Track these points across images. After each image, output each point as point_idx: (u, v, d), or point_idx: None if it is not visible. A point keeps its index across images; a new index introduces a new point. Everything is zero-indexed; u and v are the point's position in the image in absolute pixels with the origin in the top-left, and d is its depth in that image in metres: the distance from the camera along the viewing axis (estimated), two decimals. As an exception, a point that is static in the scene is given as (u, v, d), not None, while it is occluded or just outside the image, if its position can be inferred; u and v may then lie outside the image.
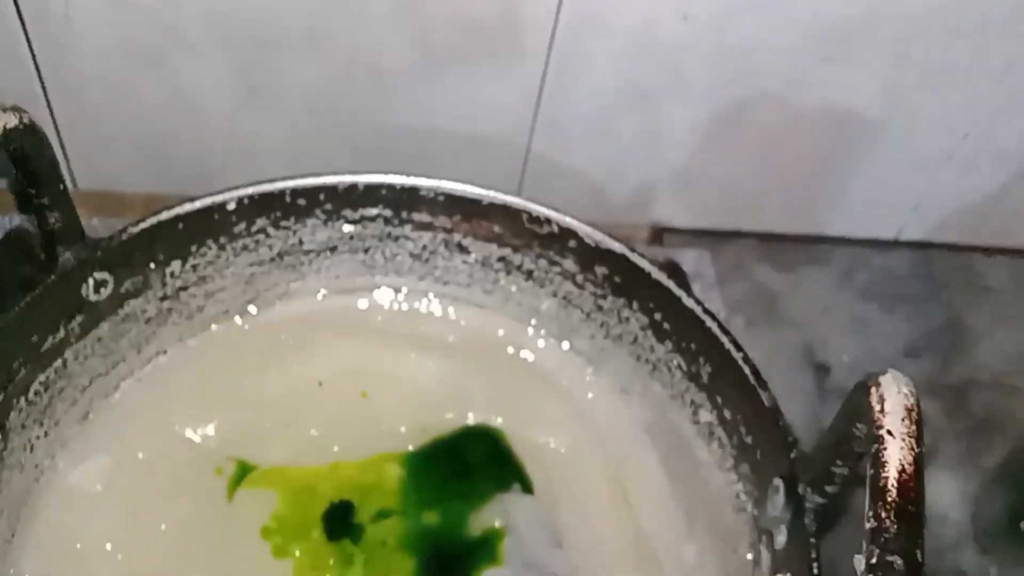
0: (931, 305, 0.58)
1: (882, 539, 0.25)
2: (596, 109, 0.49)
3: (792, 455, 0.35)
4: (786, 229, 0.59)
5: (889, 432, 0.27)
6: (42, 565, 0.37)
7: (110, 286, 0.38)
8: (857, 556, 0.25)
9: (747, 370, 0.38)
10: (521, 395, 0.45)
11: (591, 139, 0.51)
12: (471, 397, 0.44)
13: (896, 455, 0.26)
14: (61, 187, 0.34)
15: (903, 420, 0.27)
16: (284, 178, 0.40)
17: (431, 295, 0.46)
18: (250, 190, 0.40)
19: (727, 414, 0.40)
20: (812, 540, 0.33)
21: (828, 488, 0.33)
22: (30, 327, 0.36)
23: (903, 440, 0.27)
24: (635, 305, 0.42)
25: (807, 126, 0.51)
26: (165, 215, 0.38)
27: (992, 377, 0.55)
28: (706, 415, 0.41)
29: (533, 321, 0.46)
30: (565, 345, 0.46)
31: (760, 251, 0.58)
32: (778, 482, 0.36)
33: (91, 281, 0.37)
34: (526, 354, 0.46)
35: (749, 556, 0.38)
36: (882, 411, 0.28)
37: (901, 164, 0.54)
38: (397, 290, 0.46)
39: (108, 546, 0.38)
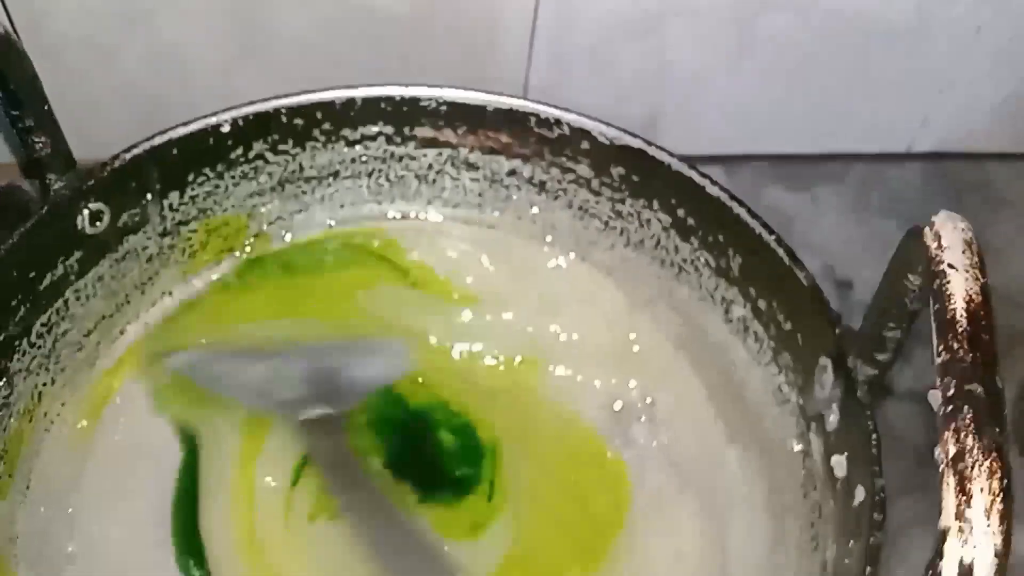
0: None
1: (957, 369, 0.23)
2: (596, 39, 0.47)
3: (837, 331, 0.34)
4: (797, 149, 0.58)
5: (951, 265, 0.25)
6: (41, 522, 0.36)
7: (106, 218, 0.36)
8: (932, 392, 0.23)
9: (781, 252, 0.36)
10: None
11: (593, 70, 0.49)
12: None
13: (961, 286, 0.25)
14: (45, 107, 0.32)
15: (963, 252, 0.25)
16: (278, 96, 0.39)
17: (441, 219, 0.44)
18: (244, 110, 0.38)
19: (762, 304, 0.38)
20: (868, 412, 0.32)
21: (879, 356, 0.32)
22: (26, 262, 0.34)
23: (967, 271, 0.25)
24: (656, 204, 0.40)
25: (815, 39, 0.50)
26: (158, 139, 0.36)
27: (1015, 289, 0.54)
28: (739, 310, 0.39)
29: (548, 238, 0.44)
30: (583, 259, 0.44)
31: (772, 173, 0.57)
32: (825, 361, 0.34)
33: (86, 212, 0.35)
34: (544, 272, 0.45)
35: (798, 447, 0.37)
36: (939, 247, 0.26)
37: (912, 71, 0.53)
38: (405, 216, 0.44)
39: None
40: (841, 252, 0.54)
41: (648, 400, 0.43)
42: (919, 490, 0.31)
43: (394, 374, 0.41)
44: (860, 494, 0.31)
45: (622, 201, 0.41)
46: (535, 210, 0.43)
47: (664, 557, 0.39)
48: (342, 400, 0.40)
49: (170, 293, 0.41)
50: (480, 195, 0.44)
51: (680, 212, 0.40)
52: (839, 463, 0.33)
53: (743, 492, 0.39)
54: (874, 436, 0.31)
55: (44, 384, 0.37)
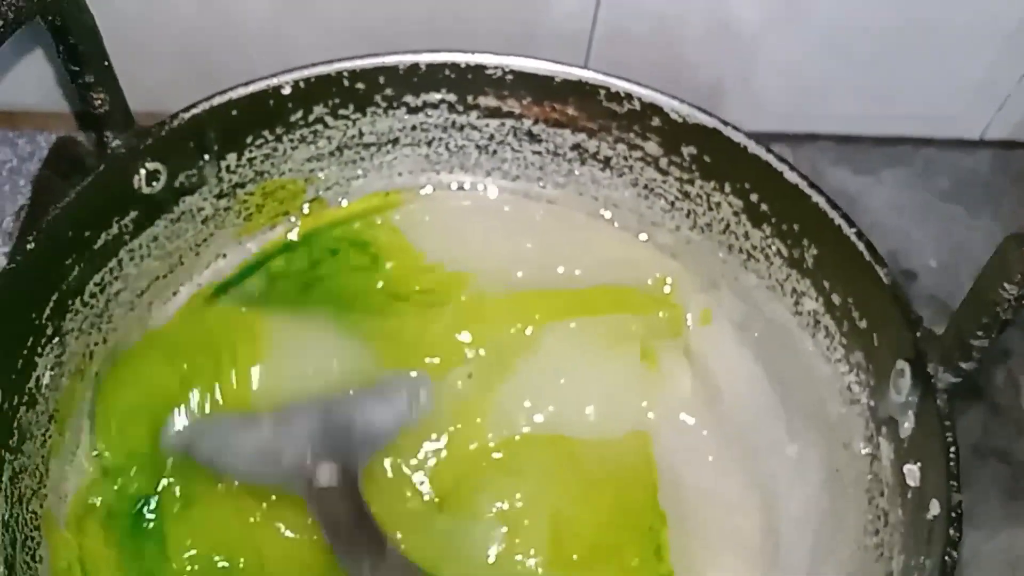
0: (1019, 206, 0.54)
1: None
2: (660, 6, 0.45)
3: (918, 334, 0.32)
4: (864, 131, 0.55)
5: (1061, 278, 0.23)
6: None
7: (163, 178, 0.36)
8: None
9: (862, 246, 0.34)
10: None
11: (655, 42, 0.47)
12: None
13: (1073, 302, 0.23)
14: (105, 63, 0.31)
15: (1076, 265, 0.23)
16: (340, 59, 0.37)
17: (499, 191, 0.43)
18: (306, 72, 0.36)
19: (835, 299, 0.36)
20: (947, 423, 0.30)
21: (964, 364, 0.30)
22: (82, 221, 0.34)
23: (1079, 285, 0.23)
24: (727, 187, 0.38)
25: (885, 16, 0.47)
26: (217, 100, 0.35)
27: None
28: (810, 303, 0.38)
29: (608, 215, 0.43)
30: (644, 238, 0.42)
31: (837, 153, 0.54)
32: (903, 365, 0.32)
33: (143, 172, 0.35)
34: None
35: (865, 450, 0.35)
36: (1048, 258, 0.24)
37: (985, 57, 0.50)
38: (462, 187, 0.43)
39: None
40: (905, 238, 0.52)
41: (708, 386, 0.42)
42: (968, 484, 0.30)
43: (411, 418, 0.38)
44: (935, 508, 0.29)
45: (691, 182, 0.40)
46: (597, 187, 0.42)
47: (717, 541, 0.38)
48: (355, 456, 0.36)
49: (224, 255, 0.40)
50: (541, 168, 0.42)
51: (753, 197, 0.38)
52: (912, 472, 0.32)
53: (801, 487, 0.38)
54: (952, 449, 0.30)
55: (96, 344, 0.36)
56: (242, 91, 0.36)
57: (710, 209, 0.40)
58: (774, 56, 0.48)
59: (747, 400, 0.41)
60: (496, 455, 0.38)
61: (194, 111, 0.35)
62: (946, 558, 0.28)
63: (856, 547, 0.35)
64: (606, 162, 0.41)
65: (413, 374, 0.38)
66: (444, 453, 0.38)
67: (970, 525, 0.31)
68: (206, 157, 0.37)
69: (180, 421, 0.36)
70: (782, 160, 0.36)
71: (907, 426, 0.32)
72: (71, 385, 0.35)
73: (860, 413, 0.36)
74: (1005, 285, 0.27)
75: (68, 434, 0.35)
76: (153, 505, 0.36)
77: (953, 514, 0.29)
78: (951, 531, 0.28)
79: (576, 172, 0.42)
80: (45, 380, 0.34)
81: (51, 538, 0.34)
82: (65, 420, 0.35)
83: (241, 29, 0.45)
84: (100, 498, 0.35)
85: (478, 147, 0.42)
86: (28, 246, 0.32)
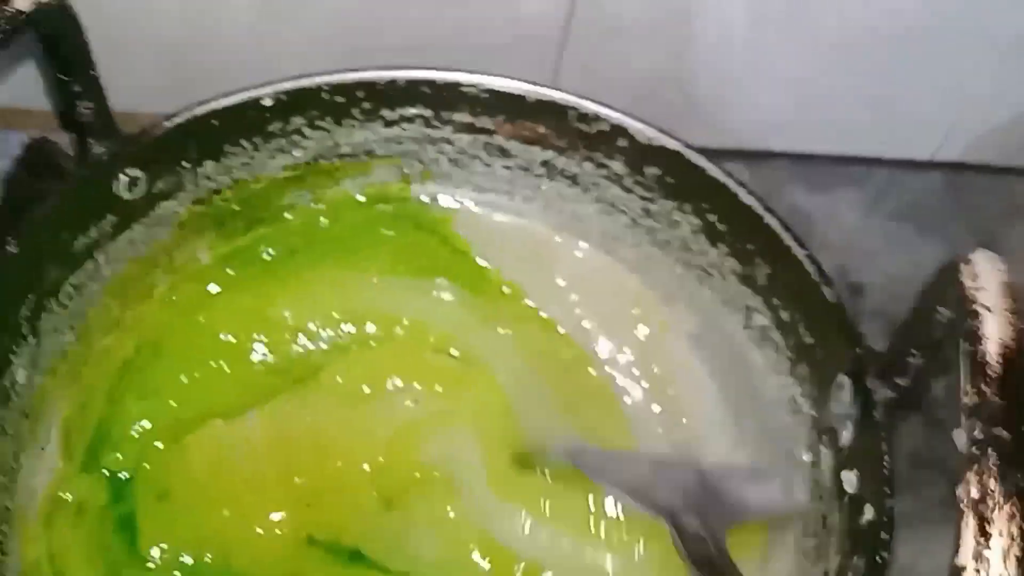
0: (966, 226, 0.57)
1: (986, 412, 0.24)
2: (629, 21, 0.46)
3: (859, 351, 0.34)
4: (819, 150, 0.58)
5: (987, 307, 0.26)
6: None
7: (143, 184, 0.37)
8: (957, 431, 0.24)
9: (811, 267, 0.36)
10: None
11: (623, 57, 0.49)
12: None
13: (996, 330, 0.25)
14: (92, 73, 0.32)
15: (1000, 294, 0.26)
16: (321, 73, 0.39)
17: (468, 203, 0.45)
18: (287, 85, 0.38)
19: (784, 315, 0.39)
20: (883, 434, 0.33)
21: (900, 380, 0.32)
22: (61, 224, 0.34)
23: (1003, 315, 0.25)
24: (687, 207, 0.41)
25: (843, 40, 0.49)
26: (200, 110, 0.36)
27: None
28: (760, 319, 0.40)
29: (574, 230, 0.45)
30: (607, 253, 0.44)
31: (793, 172, 0.57)
32: (843, 379, 0.35)
33: (123, 178, 0.36)
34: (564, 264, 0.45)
35: (807, 457, 0.37)
36: (976, 287, 0.26)
37: (937, 81, 0.53)
38: (433, 199, 0.45)
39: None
40: (855, 254, 0.54)
41: (662, 394, 0.44)
42: (908, 491, 0.32)
43: (783, 506, 0.38)
44: (869, 512, 0.32)
45: (652, 200, 0.42)
46: (564, 202, 0.44)
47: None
48: (717, 519, 0.37)
49: (199, 259, 0.41)
50: (510, 183, 0.44)
51: (711, 217, 0.40)
52: (849, 479, 0.34)
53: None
54: (886, 458, 0.32)
55: (70, 343, 0.37)
56: (224, 102, 0.37)
57: (669, 227, 0.42)
58: (735, 84, 0.51)
59: (698, 409, 0.43)
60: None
61: (177, 120, 0.36)
62: (877, 558, 0.30)
63: (796, 550, 0.37)
64: (573, 178, 0.43)
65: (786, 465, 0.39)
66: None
67: (909, 528, 0.33)
68: (185, 165, 0.38)
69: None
70: (740, 183, 0.38)
71: (846, 435, 0.34)
72: (45, 383, 0.36)
73: (803, 423, 0.38)
74: (940, 309, 0.29)
75: (40, 431, 0.36)
76: (126, 497, 0.37)
77: (885, 518, 0.31)
78: (883, 534, 0.31)
79: (543, 187, 0.44)
80: (20, 379, 0.34)
81: (21, 532, 0.34)
82: (38, 417, 0.36)
83: (225, 36, 0.45)
84: (71, 494, 0.36)
85: (450, 160, 0.43)
86: (10, 248, 0.33)
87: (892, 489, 0.32)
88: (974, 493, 0.23)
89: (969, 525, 0.22)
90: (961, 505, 0.23)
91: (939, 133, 0.57)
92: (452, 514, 0.38)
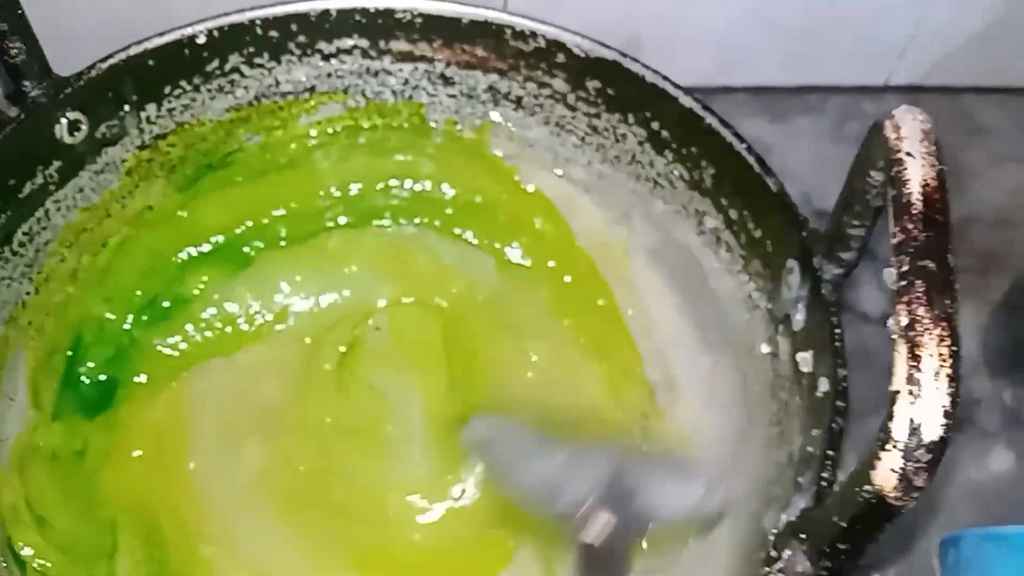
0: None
1: (911, 248, 0.24)
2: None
3: (804, 233, 0.35)
4: (776, 82, 0.58)
5: (908, 154, 0.26)
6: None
7: (84, 128, 0.37)
8: (887, 270, 0.24)
9: (751, 160, 0.37)
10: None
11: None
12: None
13: (918, 172, 0.26)
14: (19, 12, 0.32)
15: (921, 142, 0.26)
16: (253, 7, 0.39)
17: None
18: (220, 21, 0.38)
19: (733, 214, 0.39)
20: (832, 309, 0.33)
21: (844, 255, 0.33)
22: (5, 168, 0.34)
23: (924, 159, 0.26)
24: (631, 118, 0.41)
25: None
26: (133, 49, 0.36)
27: (990, 213, 0.55)
28: (711, 221, 0.40)
29: (525, 154, 0.45)
30: (560, 176, 0.45)
31: (753, 104, 0.57)
32: (792, 263, 0.35)
33: (64, 121, 0.36)
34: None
35: (767, 350, 0.38)
36: (899, 138, 0.27)
37: (890, 4, 0.53)
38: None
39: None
40: (817, 182, 0.55)
41: (626, 313, 0.44)
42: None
43: (696, 512, 0.36)
44: (824, 385, 0.32)
45: (598, 116, 0.42)
46: (512, 127, 0.44)
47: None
48: (630, 518, 0.34)
49: (150, 208, 0.41)
50: (457, 113, 0.44)
51: (655, 125, 0.40)
52: (804, 359, 0.34)
53: (716, 395, 0.41)
54: (837, 331, 0.33)
55: (27, 294, 0.37)
56: (157, 41, 0.37)
57: (617, 141, 0.42)
58: (687, 19, 0.51)
59: (663, 322, 0.44)
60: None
61: (111, 61, 0.36)
62: (833, 426, 0.31)
63: (764, 441, 0.38)
64: (518, 102, 0.43)
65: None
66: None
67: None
68: (126, 108, 0.38)
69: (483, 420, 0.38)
70: (677, 87, 0.39)
71: (799, 319, 0.35)
72: (6, 333, 0.36)
73: (761, 317, 0.38)
74: (871, 173, 0.29)
75: (7, 382, 0.36)
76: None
77: (839, 388, 0.31)
78: (837, 402, 0.31)
79: (491, 114, 0.44)
80: (-22, 326, 0.35)
81: (-6, 478, 0.35)
82: (3, 367, 0.36)
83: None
84: (42, 441, 0.37)
85: (394, 92, 0.43)
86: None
87: (844, 360, 0.32)
88: (904, 321, 0.23)
89: (901, 352, 0.23)
90: (892, 336, 0.23)
91: (893, 57, 0.57)
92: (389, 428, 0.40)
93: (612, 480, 0.34)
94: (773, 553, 0.29)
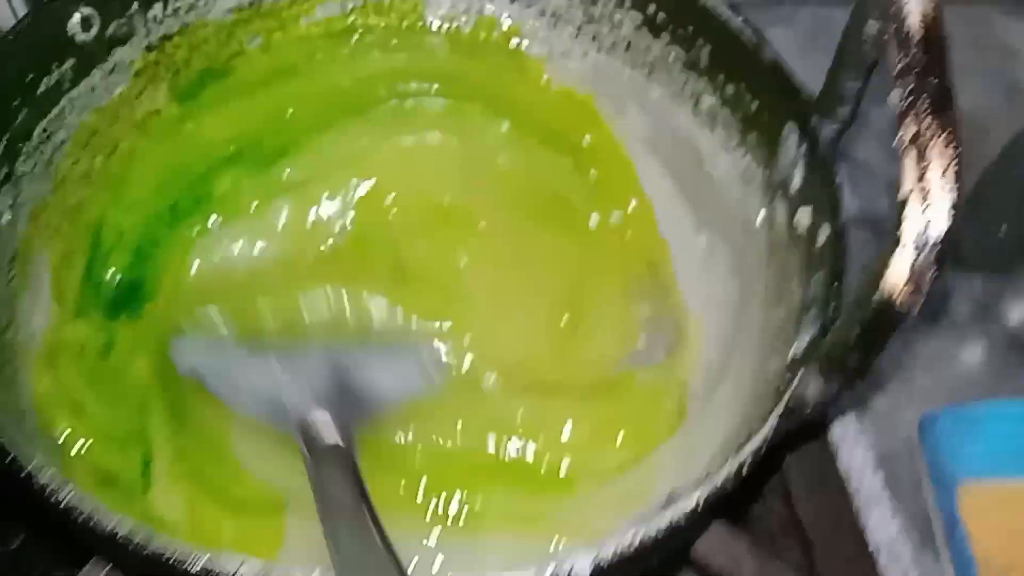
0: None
1: (916, 68, 0.26)
2: None
3: (801, 97, 0.37)
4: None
5: (907, -10, 0.28)
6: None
7: (96, 25, 0.37)
8: (893, 92, 0.26)
9: (747, 32, 0.38)
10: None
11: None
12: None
13: (918, 7, 0.27)
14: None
15: (918, -22, 0.28)
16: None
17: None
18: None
19: (729, 90, 0.41)
20: (830, 164, 0.35)
21: (841, 109, 0.35)
22: (22, 63, 0.35)
23: (922, -5, 0.27)
24: (627, 2, 0.42)
25: None
26: (139, -56, 0.37)
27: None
28: (708, 100, 0.42)
29: (523, 47, 0.46)
30: (557, 69, 0.46)
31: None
32: (789, 127, 0.37)
33: (77, 16, 0.36)
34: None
35: (763, 217, 0.40)
36: (898, -21, 0.28)
37: None
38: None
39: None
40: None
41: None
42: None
43: (419, 388, 0.37)
44: (825, 231, 0.34)
45: (594, 3, 0.43)
46: (508, 19, 0.45)
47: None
48: (351, 411, 0.34)
49: (158, 112, 0.42)
50: (453, 7, 0.45)
51: (651, 9, 0.42)
52: (804, 214, 0.36)
53: (711, 268, 0.43)
54: (836, 182, 0.35)
55: (47, 193, 0.38)
56: (164, -64, 0.37)
57: (613, 28, 0.43)
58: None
59: (659, 207, 0.46)
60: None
61: (120, -45, 0.37)
62: (836, 262, 0.33)
63: (762, 304, 0.40)
64: (514, -6, 0.44)
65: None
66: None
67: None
68: (135, 5, 0.38)
69: (190, 343, 0.38)
70: (671, -32, 0.40)
71: (797, 179, 0.37)
72: (28, 231, 0.37)
73: (756, 188, 0.40)
74: (868, 22, 0.31)
75: (31, 277, 0.37)
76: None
77: (839, 230, 0.33)
78: (840, 243, 0.33)
79: (488, 7, 0.45)
80: (3, 220, 0.35)
81: (27, 368, 0.35)
82: (27, 262, 0.37)
83: None
84: (69, 336, 0.37)
85: (393, -9, 0.44)
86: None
87: (841, 211, 0.34)
88: (911, 131, 0.25)
89: (910, 155, 0.24)
90: (901, 148, 0.25)
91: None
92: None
93: (329, 377, 0.34)
94: (782, 388, 0.31)
